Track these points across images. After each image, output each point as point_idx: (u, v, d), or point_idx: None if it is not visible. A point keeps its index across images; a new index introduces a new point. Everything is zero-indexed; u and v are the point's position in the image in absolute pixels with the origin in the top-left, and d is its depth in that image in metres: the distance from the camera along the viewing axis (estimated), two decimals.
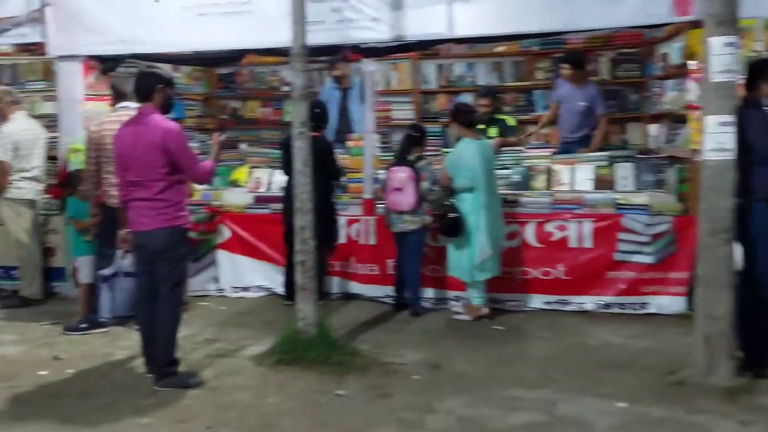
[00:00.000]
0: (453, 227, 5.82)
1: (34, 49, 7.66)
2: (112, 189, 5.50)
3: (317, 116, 5.98)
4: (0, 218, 6.66)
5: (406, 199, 5.94)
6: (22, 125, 6.53)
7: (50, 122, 7.35)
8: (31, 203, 6.60)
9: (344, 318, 6.02)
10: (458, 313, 6.09)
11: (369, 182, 6.54)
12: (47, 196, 6.91)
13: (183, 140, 4.63)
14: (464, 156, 5.89)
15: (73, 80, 6.74)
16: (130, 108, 5.68)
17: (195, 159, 4.69)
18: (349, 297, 6.62)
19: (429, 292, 6.35)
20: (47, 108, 8.16)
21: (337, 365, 4.91)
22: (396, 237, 6.16)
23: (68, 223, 6.11)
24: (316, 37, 5.71)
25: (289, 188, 6.25)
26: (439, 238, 6.15)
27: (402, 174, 5.96)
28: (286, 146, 6.41)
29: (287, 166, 6.33)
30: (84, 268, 5.94)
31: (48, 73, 7.86)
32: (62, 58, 6.77)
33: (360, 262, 6.55)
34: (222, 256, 6.85)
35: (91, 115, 6.31)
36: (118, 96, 5.82)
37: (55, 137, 6.98)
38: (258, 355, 5.17)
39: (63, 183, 6.46)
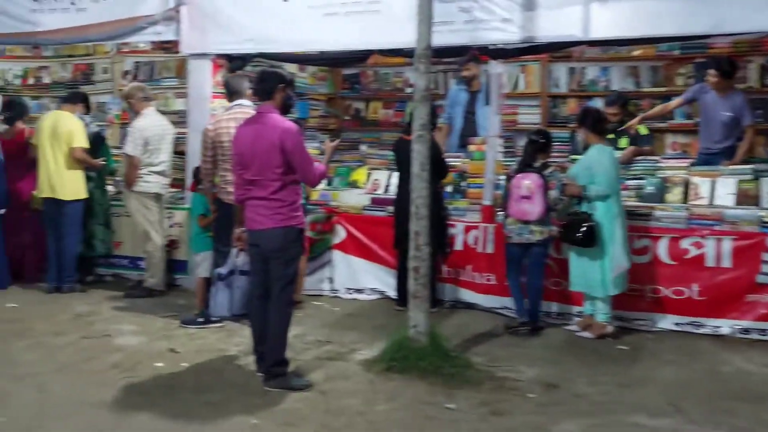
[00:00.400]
0: (589, 236, 5.50)
1: (170, 46, 7.92)
2: (229, 186, 5.56)
3: None
4: (128, 210, 6.90)
5: (535, 207, 5.61)
6: (152, 121, 6.73)
7: (180, 118, 7.58)
8: (157, 197, 6.79)
9: (458, 328, 5.82)
10: (580, 330, 5.76)
11: (489, 188, 6.30)
12: (173, 189, 7.12)
13: (300, 141, 4.59)
14: (600, 162, 5.59)
15: (203, 78, 6.89)
16: (243, 106, 5.77)
17: (309, 161, 4.63)
18: (463, 306, 6.41)
19: (549, 306, 6.05)
20: (179, 104, 8.48)
21: (448, 377, 4.74)
22: (513, 248, 5.81)
23: (192, 218, 6.22)
24: (443, 37, 5.58)
25: (401, 191, 6.16)
26: (565, 249, 5.83)
27: (530, 181, 5.64)
28: (398, 148, 6.32)
29: (401, 168, 6.25)
30: (203, 263, 6.01)
31: (181, 71, 8.12)
32: (194, 56, 6.93)
33: (476, 271, 6.32)
34: (337, 256, 6.81)
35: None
36: (232, 94, 5.89)
37: (183, 133, 7.17)
38: (368, 361, 5.07)
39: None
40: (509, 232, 5.77)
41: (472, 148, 6.74)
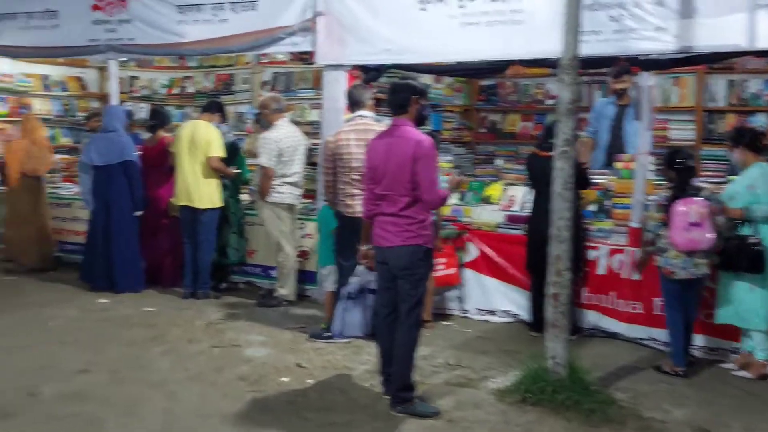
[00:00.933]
0: (757, 262, 4.98)
1: (307, 57, 7.96)
2: (348, 199, 5.44)
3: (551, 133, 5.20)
4: (261, 220, 6.93)
5: (706, 235, 4.96)
6: (285, 132, 6.72)
7: (315, 129, 7.58)
8: (290, 207, 6.78)
9: (598, 359, 5.40)
10: (737, 369, 5.21)
11: (638, 209, 5.83)
12: (306, 200, 7.10)
13: (431, 156, 4.39)
14: (765, 180, 5.10)
15: (338, 89, 6.82)
16: (364, 117, 5.67)
17: (435, 180, 4.41)
18: (603, 335, 5.98)
19: (702, 340, 5.52)
20: (314, 115, 8.52)
21: (587, 413, 4.39)
22: (676, 284, 5.16)
23: (320, 230, 6.18)
24: (591, 47, 5.25)
25: (535, 209, 5.87)
26: (722, 277, 5.28)
27: (698, 206, 4.98)
28: (531, 163, 6.01)
29: (534, 185, 5.96)
30: (329, 276, 5.93)
31: (318, 82, 8.14)
32: (329, 66, 6.89)
33: (621, 298, 5.87)
34: (468, 275, 6.54)
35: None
36: (353, 104, 5.79)
37: (317, 144, 7.14)
38: (501, 390, 4.78)
39: None
40: (672, 267, 5.10)
41: (619, 165, 6.29)
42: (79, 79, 10.52)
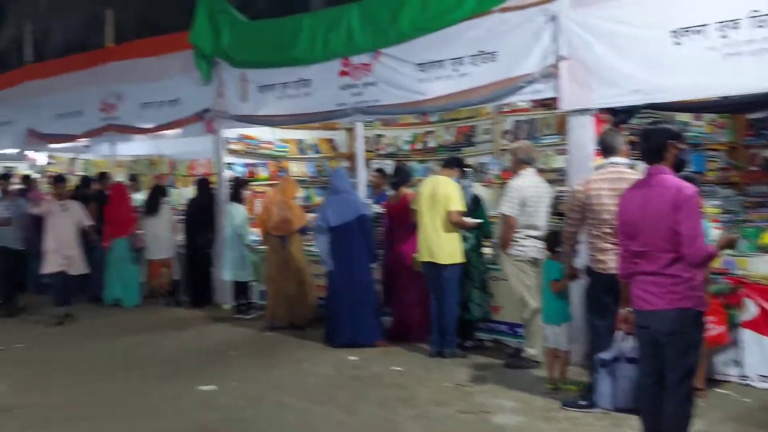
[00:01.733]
0: None
1: (549, 103, 7.68)
2: (599, 254, 5.02)
3: None
4: (504, 275, 6.66)
5: None
6: (529, 181, 6.43)
7: (560, 176, 7.23)
8: (534, 261, 6.43)
9: None
10: None
11: None
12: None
13: (696, 206, 3.90)
14: None
15: (584, 134, 6.44)
16: (617, 164, 5.25)
17: (698, 232, 3.87)
18: None
19: None
20: (559, 162, 8.18)
21: None
22: None
23: (544, 286, 5.87)
24: None
25: None
26: None
27: None
28: None
29: None
30: (552, 332, 5.71)
31: (561, 127, 7.81)
32: (574, 111, 6.54)
33: None
34: (747, 336, 5.72)
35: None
36: (605, 150, 5.37)
37: (562, 192, 6.78)
38: None
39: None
40: None
41: None
42: (330, 141, 11.12)
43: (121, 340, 8.11)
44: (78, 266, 9.08)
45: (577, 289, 5.80)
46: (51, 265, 8.93)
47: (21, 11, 17.48)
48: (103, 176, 11.07)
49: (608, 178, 5.17)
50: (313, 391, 6.03)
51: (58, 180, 9.64)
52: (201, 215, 9.74)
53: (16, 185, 10.57)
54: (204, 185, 10.02)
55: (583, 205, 5.26)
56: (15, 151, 13.60)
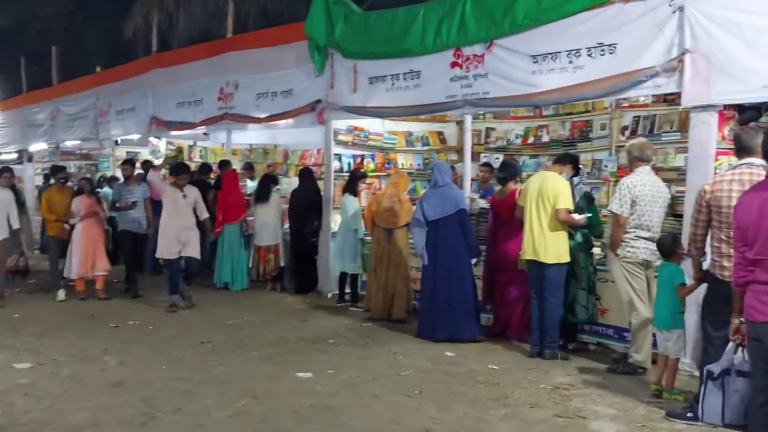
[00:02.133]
0: None
1: (672, 99, 7.29)
2: (724, 260, 4.67)
3: None
4: (612, 276, 6.35)
5: None
6: (642, 179, 6.08)
7: (679, 175, 6.84)
8: (646, 264, 6.10)
9: None
10: None
11: None
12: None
13: None
14: None
15: (707, 132, 6.06)
16: (753, 166, 4.78)
17: None
18: None
19: None
20: (679, 160, 7.76)
21: None
22: None
23: (659, 290, 5.60)
24: None
25: None
26: None
27: None
28: None
29: None
30: (676, 341, 5.45)
31: (684, 124, 7.40)
32: (697, 107, 6.15)
33: None
34: None
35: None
36: (740, 150, 4.91)
37: (681, 192, 6.39)
38: None
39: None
40: None
41: None
42: (439, 133, 10.99)
43: (227, 322, 8.32)
44: (193, 250, 9.13)
45: (692, 295, 5.47)
46: (166, 251, 9.04)
47: (148, 2, 18.29)
48: (224, 164, 11.33)
49: (739, 179, 4.76)
50: (406, 384, 5.96)
51: (180, 169, 9.43)
52: (306, 204, 9.85)
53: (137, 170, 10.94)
54: (307, 174, 10.14)
55: (709, 206, 4.91)
56: (137, 136, 14.19)
